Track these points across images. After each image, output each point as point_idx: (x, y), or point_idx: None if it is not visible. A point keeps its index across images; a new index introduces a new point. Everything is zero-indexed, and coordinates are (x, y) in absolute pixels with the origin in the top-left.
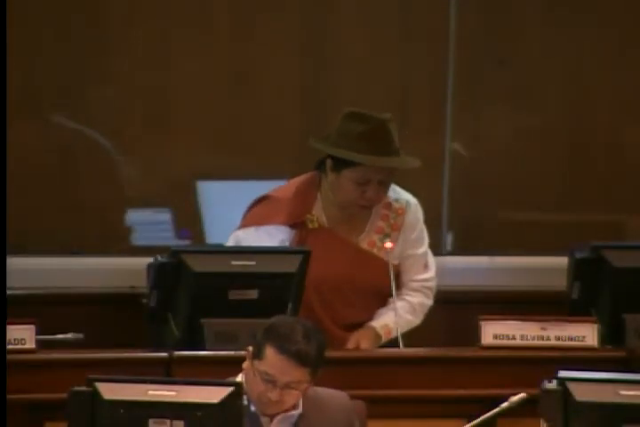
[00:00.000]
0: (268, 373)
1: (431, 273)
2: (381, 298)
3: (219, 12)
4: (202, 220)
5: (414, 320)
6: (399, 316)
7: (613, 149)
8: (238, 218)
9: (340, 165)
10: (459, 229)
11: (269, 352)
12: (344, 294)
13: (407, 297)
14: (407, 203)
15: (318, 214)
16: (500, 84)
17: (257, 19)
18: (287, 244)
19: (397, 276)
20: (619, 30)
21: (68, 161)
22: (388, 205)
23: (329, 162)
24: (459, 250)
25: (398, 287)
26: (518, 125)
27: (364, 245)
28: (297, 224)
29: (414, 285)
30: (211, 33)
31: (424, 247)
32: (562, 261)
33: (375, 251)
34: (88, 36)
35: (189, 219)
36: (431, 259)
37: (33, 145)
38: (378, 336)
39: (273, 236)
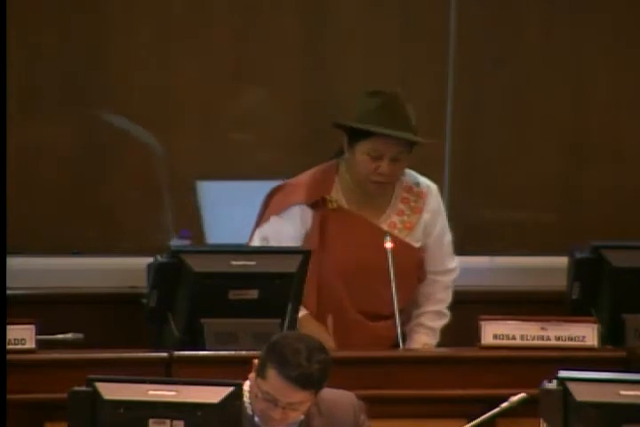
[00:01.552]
0: (269, 393)
1: (455, 261)
2: (408, 285)
3: (219, 12)
4: (202, 220)
5: (448, 314)
6: (444, 316)
7: (613, 149)
8: (238, 218)
9: (354, 138)
10: (459, 229)
11: (271, 374)
12: (370, 279)
13: (438, 295)
14: (429, 188)
15: (337, 197)
16: (500, 84)
17: (257, 19)
18: (309, 223)
19: (421, 263)
20: (619, 30)
21: (68, 161)
22: (409, 189)
23: (345, 140)
24: (459, 250)
25: (422, 276)
26: (519, 125)
27: (385, 226)
28: (317, 204)
29: (444, 281)
30: (211, 33)
31: (449, 234)
32: (562, 261)
33: (396, 232)
34: (88, 36)
35: (189, 219)
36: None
37: (32, 145)
38: None
39: (294, 218)
